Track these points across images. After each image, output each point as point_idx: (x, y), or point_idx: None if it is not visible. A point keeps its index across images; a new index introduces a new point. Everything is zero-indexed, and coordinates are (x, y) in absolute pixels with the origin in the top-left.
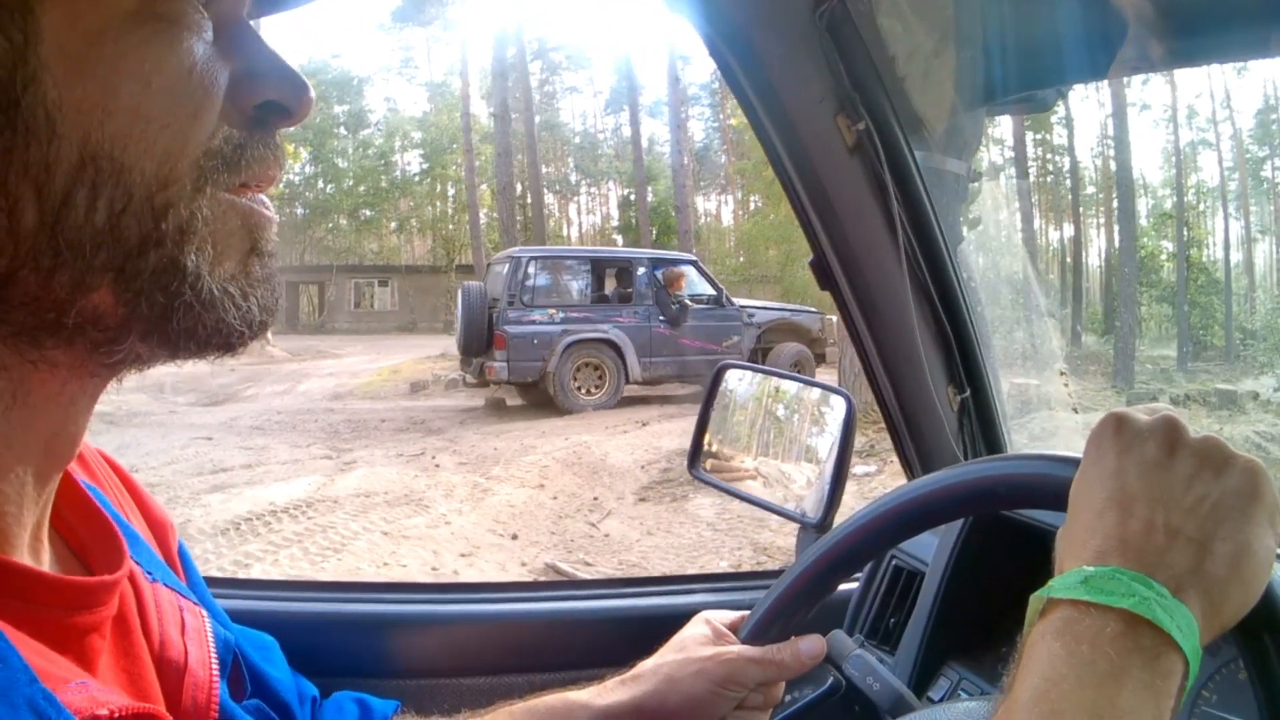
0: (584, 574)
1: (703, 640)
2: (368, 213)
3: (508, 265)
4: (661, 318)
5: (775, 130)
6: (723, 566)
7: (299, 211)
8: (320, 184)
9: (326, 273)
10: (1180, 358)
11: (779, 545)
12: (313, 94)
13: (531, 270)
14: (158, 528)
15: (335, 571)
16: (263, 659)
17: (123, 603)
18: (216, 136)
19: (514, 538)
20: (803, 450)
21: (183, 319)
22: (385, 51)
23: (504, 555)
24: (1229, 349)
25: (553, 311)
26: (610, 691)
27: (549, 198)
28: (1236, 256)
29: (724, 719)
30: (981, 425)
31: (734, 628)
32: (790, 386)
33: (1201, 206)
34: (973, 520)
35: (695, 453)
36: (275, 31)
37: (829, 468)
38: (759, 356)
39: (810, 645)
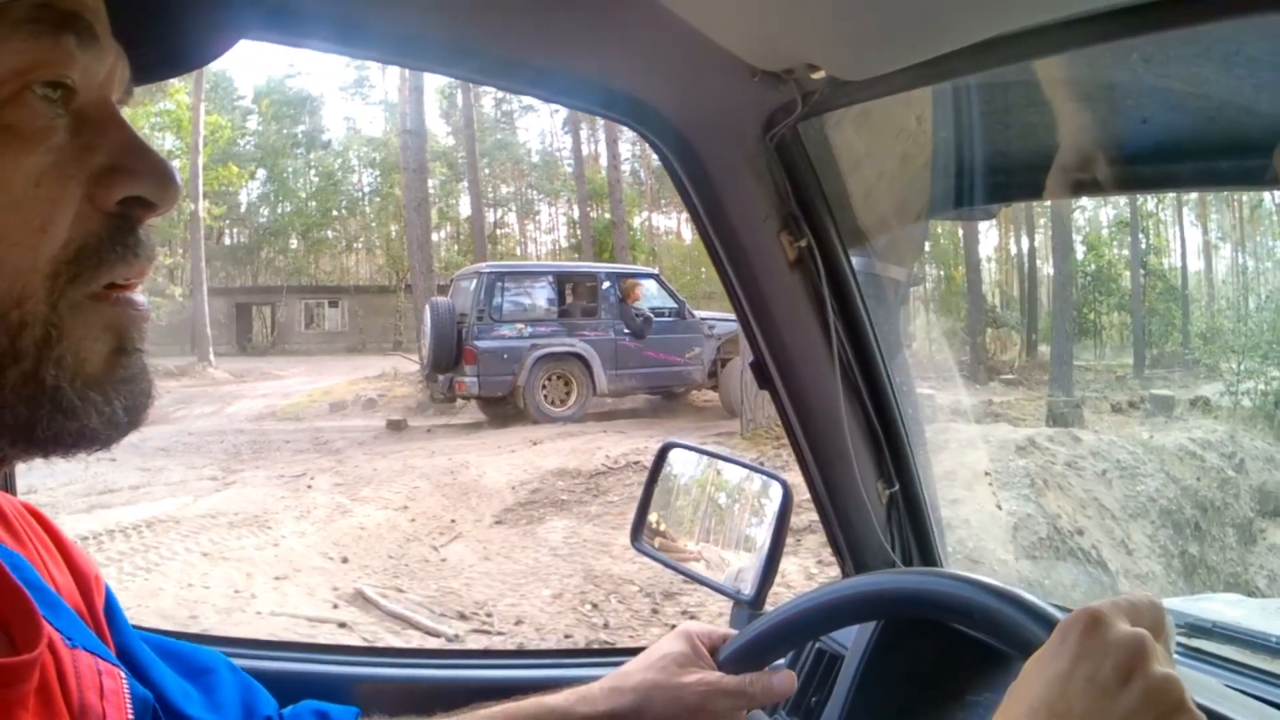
0: (393, 601)
1: (681, 660)
2: (320, 234)
3: (475, 281)
4: (626, 330)
5: (720, 242)
6: (545, 595)
7: (247, 233)
8: (274, 204)
9: (278, 294)
10: (1137, 365)
11: (613, 573)
12: (178, 183)
13: (499, 285)
14: (82, 580)
15: (136, 592)
16: (189, 699)
17: (45, 672)
18: (72, 244)
19: (344, 561)
20: (742, 539)
21: (46, 428)
22: (341, 69)
23: (321, 579)
24: (1187, 356)
25: (521, 326)
26: (588, 701)
27: (510, 216)
28: (1200, 264)
29: None
30: (911, 519)
31: (712, 648)
32: (731, 473)
33: (1161, 214)
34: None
35: (638, 527)
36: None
37: (765, 550)
38: (719, 366)
39: (782, 681)
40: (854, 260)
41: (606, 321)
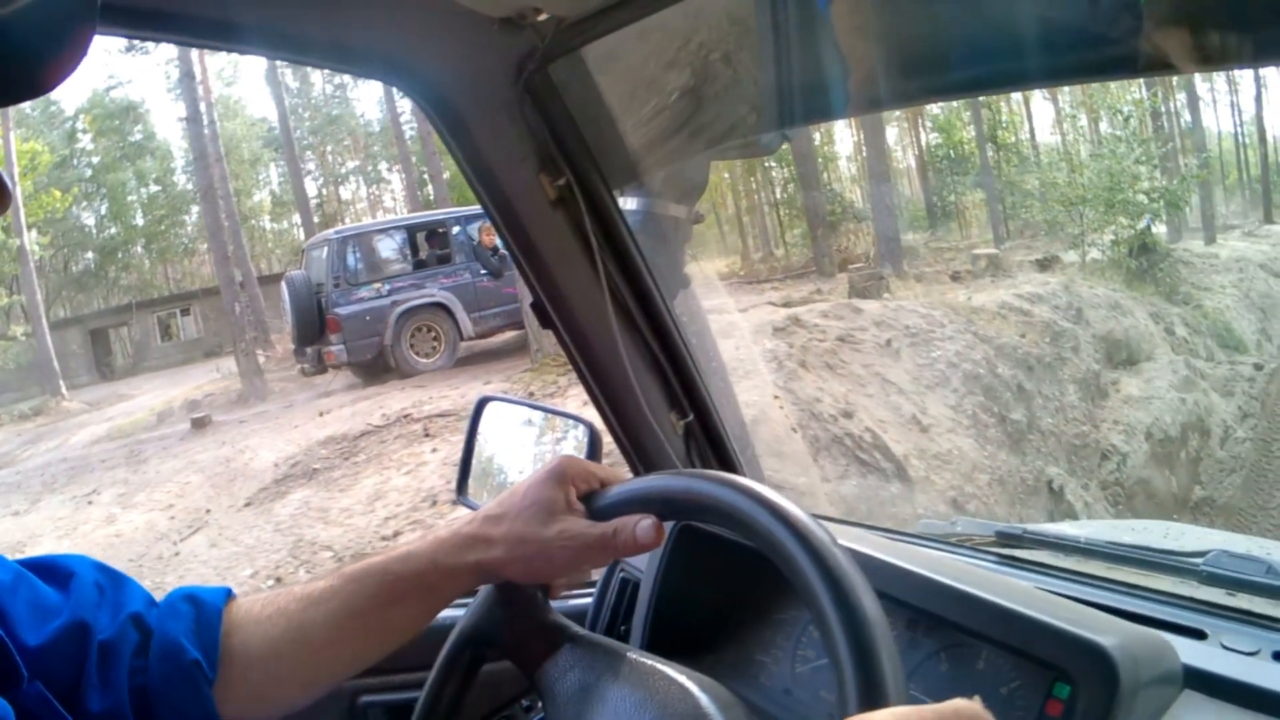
0: None
1: (550, 508)
2: (163, 242)
3: (325, 249)
4: (484, 271)
5: (483, 187)
6: (245, 575)
7: (90, 256)
8: (112, 220)
9: (130, 312)
10: (996, 237)
11: (319, 540)
12: None
13: (350, 248)
14: None
15: None
16: (42, 615)
17: None
18: None
19: None
20: None
21: None
22: (162, 68)
23: None
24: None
25: (379, 285)
26: (456, 551)
27: (362, 189)
28: (1056, 138)
29: None
30: (713, 448)
31: (589, 491)
32: (540, 419)
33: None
34: (680, 529)
35: (462, 480)
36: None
37: None
38: None
39: (646, 530)
40: (632, 199)
41: (463, 266)
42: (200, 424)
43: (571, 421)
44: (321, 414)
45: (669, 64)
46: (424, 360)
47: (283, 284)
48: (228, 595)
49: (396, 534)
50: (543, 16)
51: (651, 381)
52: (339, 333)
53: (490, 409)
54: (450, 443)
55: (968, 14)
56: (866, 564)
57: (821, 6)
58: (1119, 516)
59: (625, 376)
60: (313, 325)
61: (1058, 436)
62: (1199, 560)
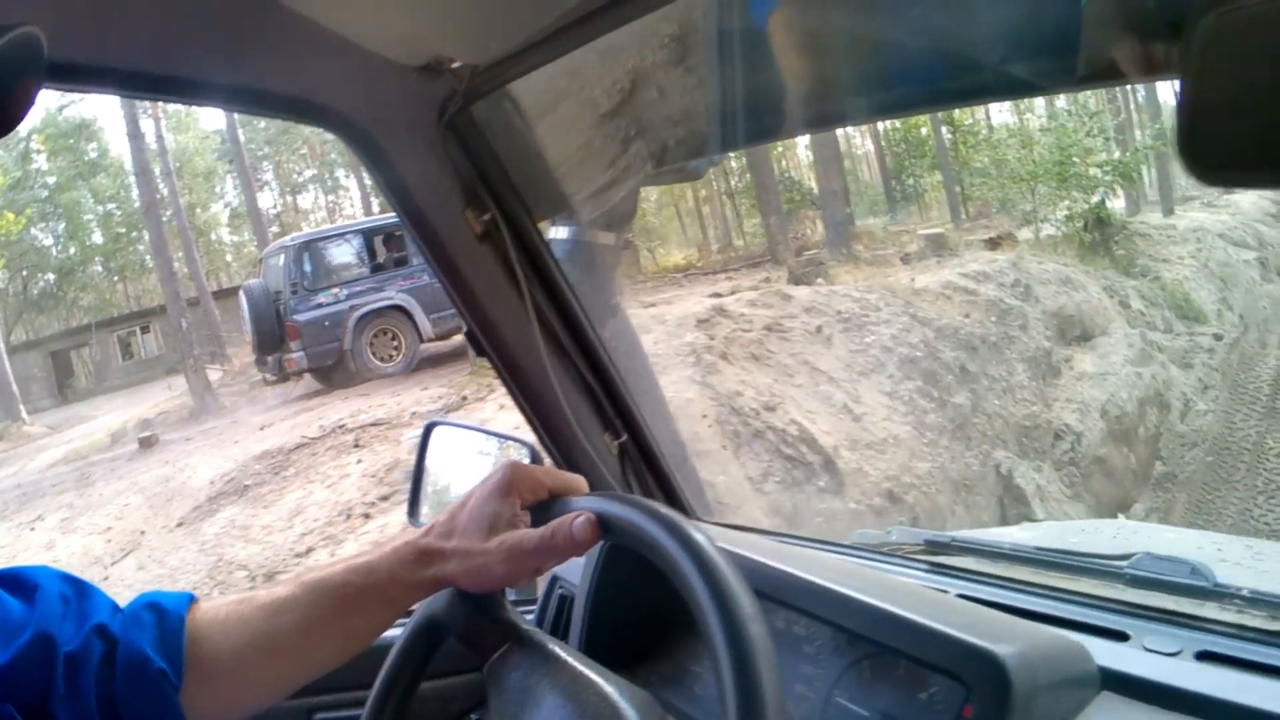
0: None
1: (493, 522)
2: (123, 259)
3: (282, 256)
4: None
5: (411, 224)
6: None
7: (49, 277)
8: (70, 240)
9: (89, 332)
10: (954, 217)
11: (237, 559)
12: None
13: (307, 255)
14: None
15: None
16: (7, 632)
17: None
18: None
19: None
20: None
21: None
22: None
23: None
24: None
25: (337, 290)
26: (412, 567)
27: (321, 198)
28: (1013, 117)
29: None
30: (649, 467)
31: (531, 503)
32: (484, 441)
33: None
34: (609, 546)
35: (413, 504)
36: None
37: None
38: None
39: (582, 528)
40: (562, 229)
41: (420, 268)
42: (147, 444)
43: (514, 444)
44: (263, 428)
45: (595, 98)
46: (384, 364)
47: (240, 294)
48: (190, 601)
49: (309, 550)
50: (457, 64)
51: (583, 404)
52: (298, 340)
53: (437, 433)
54: (377, 453)
55: (902, 34)
56: (786, 581)
57: (759, 24)
58: (1076, 497)
59: (556, 401)
60: (273, 334)
61: (1005, 419)
62: (1123, 563)
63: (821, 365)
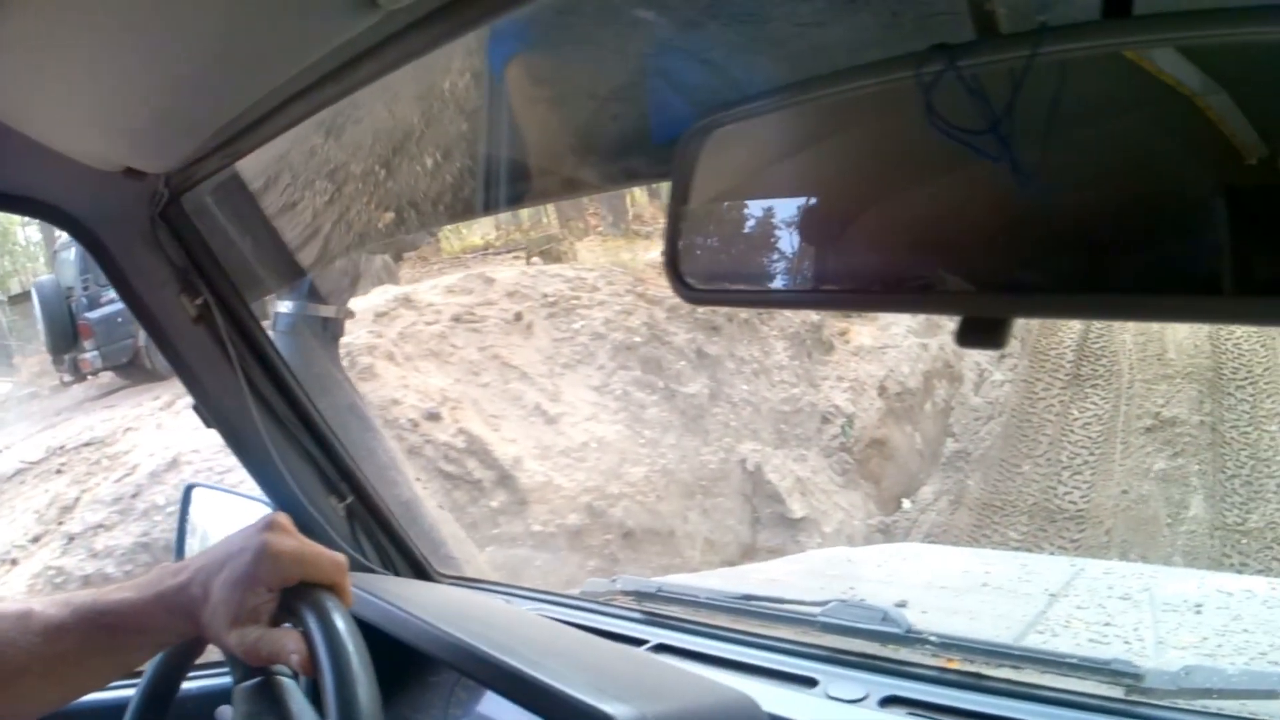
0: None
1: (238, 610)
2: None
3: (74, 250)
4: None
5: (133, 309)
6: None
7: None
8: None
9: None
10: None
11: None
12: None
13: None
14: None
15: None
16: None
17: None
18: None
19: None
20: None
21: None
22: None
23: None
24: None
25: None
26: (165, 619)
27: None
28: None
29: None
30: (379, 525)
31: (280, 586)
32: (238, 503)
33: None
34: None
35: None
36: None
37: None
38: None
39: (272, 646)
40: (284, 303)
41: None
42: None
43: (263, 506)
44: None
45: (310, 179)
46: None
47: (32, 291)
48: None
49: None
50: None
51: (304, 471)
52: (92, 338)
53: (197, 494)
54: (74, 477)
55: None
56: (446, 643)
57: (497, 77)
58: (849, 486)
59: (277, 470)
60: (66, 333)
61: (756, 405)
62: (817, 610)
63: (515, 360)
